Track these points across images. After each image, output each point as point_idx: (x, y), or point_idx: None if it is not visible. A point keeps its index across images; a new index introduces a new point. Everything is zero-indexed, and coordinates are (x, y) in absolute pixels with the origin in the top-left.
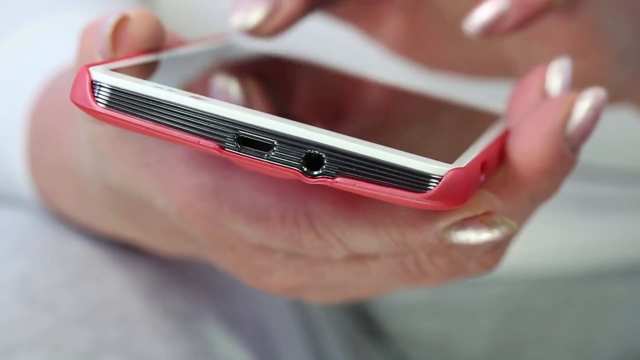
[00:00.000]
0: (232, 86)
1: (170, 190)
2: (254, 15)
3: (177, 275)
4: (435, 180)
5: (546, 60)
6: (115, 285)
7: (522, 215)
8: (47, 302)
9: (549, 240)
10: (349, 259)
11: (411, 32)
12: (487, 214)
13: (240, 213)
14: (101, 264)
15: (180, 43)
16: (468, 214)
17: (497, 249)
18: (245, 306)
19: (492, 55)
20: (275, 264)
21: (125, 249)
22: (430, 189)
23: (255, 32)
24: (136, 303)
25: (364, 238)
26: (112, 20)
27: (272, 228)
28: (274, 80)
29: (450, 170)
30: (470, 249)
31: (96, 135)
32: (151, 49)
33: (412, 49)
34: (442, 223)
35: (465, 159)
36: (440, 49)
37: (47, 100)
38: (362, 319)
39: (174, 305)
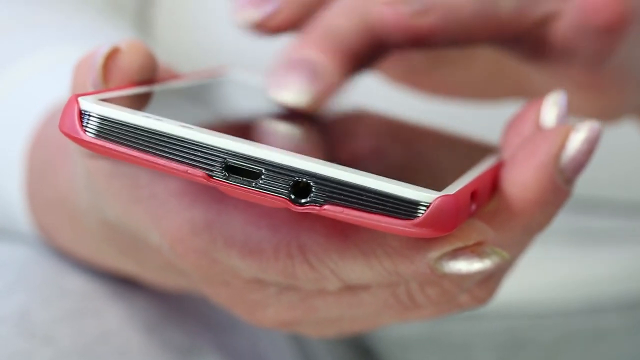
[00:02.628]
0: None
1: (162, 225)
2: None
3: (176, 309)
4: (424, 208)
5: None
6: (114, 319)
7: (516, 246)
8: (46, 336)
9: (547, 274)
10: (341, 291)
11: (413, 62)
12: (479, 244)
13: (233, 247)
14: (100, 297)
15: (174, 76)
16: (459, 244)
17: (490, 281)
18: (244, 340)
19: (501, 79)
20: (269, 299)
21: (124, 283)
22: (418, 216)
23: (260, 27)
24: (135, 337)
25: (356, 269)
26: (103, 51)
27: (266, 261)
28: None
29: (439, 198)
30: (462, 280)
31: (90, 170)
32: (143, 80)
33: (414, 78)
34: (434, 253)
35: (455, 187)
36: (448, 74)
37: (45, 134)
38: (361, 353)
39: (173, 339)
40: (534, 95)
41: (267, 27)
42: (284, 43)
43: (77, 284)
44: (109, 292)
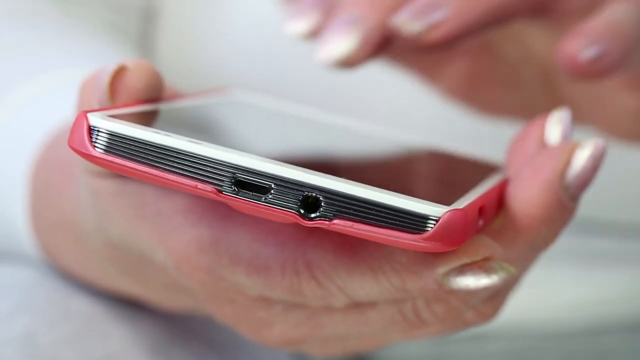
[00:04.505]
0: None
1: (167, 243)
2: (344, 45)
3: (181, 331)
4: (433, 222)
5: (608, 101)
6: (119, 341)
7: (521, 263)
8: (51, 358)
9: (551, 295)
10: (348, 308)
11: (472, 78)
12: (486, 259)
13: (240, 264)
14: (105, 319)
15: (179, 95)
16: (467, 259)
17: (496, 298)
18: None
19: (551, 99)
20: (275, 317)
21: (129, 305)
22: (427, 230)
23: (346, 63)
24: (140, 358)
25: (364, 285)
26: (110, 70)
27: (273, 278)
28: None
29: (448, 212)
30: (468, 296)
31: (95, 189)
32: (149, 99)
33: (471, 93)
34: (441, 269)
35: (463, 202)
36: (499, 94)
37: (48, 156)
38: None
39: None
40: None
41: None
42: (285, 64)
43: (82, 305)
44: (114, 313)
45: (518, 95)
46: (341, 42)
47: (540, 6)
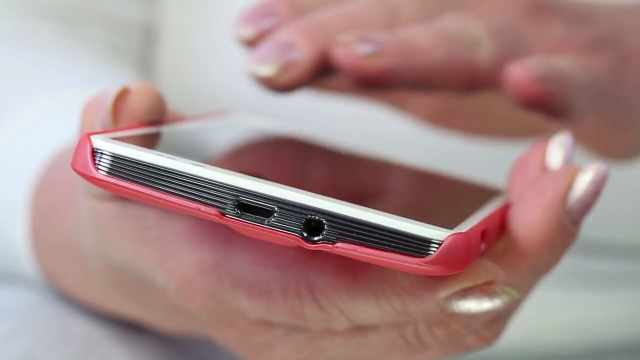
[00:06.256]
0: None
1: (169, 266)
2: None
3: (182, 354)
4: (436, 245)
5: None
6: None
7: (523, 287)
8: None
9: (550, 317)
10: (349, 331)
11: (441, 109)
12: (488, 283)
13: (241, 288)
14: (105, 342)
15: (182, 118)
16: (469, 283)
17: (497, 322)
18: None
19: (524, 120)
20: (276, 340)
21: (130, 327)
22: (430, 254)
23: (269, 82)
24: None
25: (366, 309)
26: (113, 92)
27: (275, 302)
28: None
29: (451, 235)
30: (470, 320)
31: (97, 212)
32: (152, 121)
33: (444, 122)
34: (443, 292)
35: (466, 226)
36: (472, 121)
37: (49, 178)
38: None
39: None
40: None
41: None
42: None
43: (82, 328)
44: (115, 336)
45: (492, 119)
46: (266, 62)
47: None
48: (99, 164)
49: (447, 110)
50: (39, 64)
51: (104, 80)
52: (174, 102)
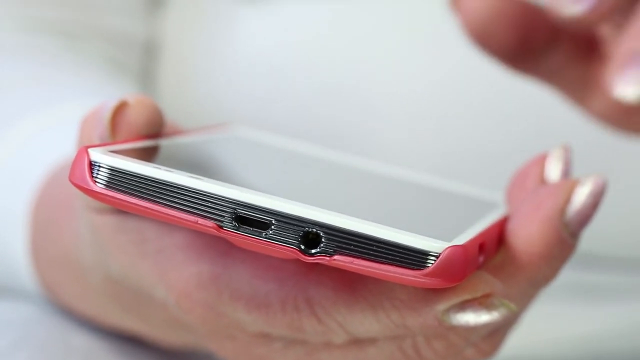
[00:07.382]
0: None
1: (168, 279)
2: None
3: None
4: (433, 258)
5: None
6: None
7: (522, 299)
8: None
9: (548, 330)
10: (347, 344)
11: (622, 104)
12: (486, 296)
13: (240, 301)
14: (105, 355)
15: (180, 131)
16: (467, 296)
17: (496, 334)
18: None
19: None
20: (275, 353)
21: (129, 341)
22: (428, 266)
23: None
24: None
25: (364, 322)
26: (111, 105)
27: (273, 315)
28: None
29: (448, 248)
30: (468, 332)
31: (96, 225)
32: (150, 135)
33: (622, 119)
34: (442, 305)
35: (464, 238)
36: None
37: (49, 192)
38: None
39: None
40: None
41: None
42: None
43: (82, 341)
44: (114, 349)
45: None
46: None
47: None
48: (96, 177)
49: (626, 110)
50: (40, 78)
51: (105, 95)
52: (175, 117)
